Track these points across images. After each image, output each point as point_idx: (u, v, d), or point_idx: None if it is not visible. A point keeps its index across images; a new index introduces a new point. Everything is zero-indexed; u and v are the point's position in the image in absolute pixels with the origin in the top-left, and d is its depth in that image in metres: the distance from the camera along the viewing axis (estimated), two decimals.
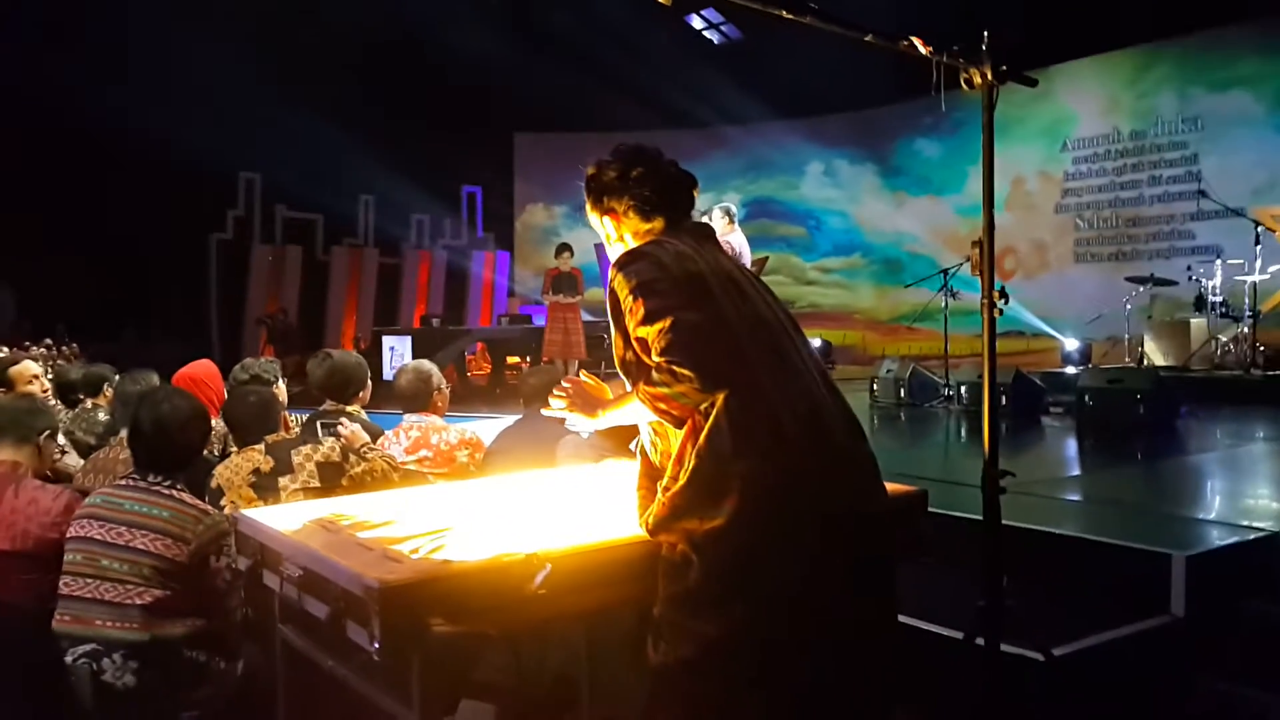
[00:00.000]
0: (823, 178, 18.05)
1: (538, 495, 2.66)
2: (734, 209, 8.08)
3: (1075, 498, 5.14)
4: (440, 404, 4.41)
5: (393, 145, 14.60)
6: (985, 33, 2.57)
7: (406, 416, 4.34)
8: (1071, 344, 11.77)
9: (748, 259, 7.88)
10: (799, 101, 15.61)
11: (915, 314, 13.43)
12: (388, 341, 11.47)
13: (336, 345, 16.01)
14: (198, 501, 2.89)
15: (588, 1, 14.23)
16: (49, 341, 13.23)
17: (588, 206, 2.24)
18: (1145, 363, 9.84)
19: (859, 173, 17.44)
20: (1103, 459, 6.55)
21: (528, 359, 11.63)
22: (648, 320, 1.91)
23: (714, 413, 1.88)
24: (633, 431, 3.71)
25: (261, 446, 3.56)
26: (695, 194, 2.25)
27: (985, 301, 2.70)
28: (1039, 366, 11.45)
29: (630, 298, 1.95)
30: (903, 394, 9.09)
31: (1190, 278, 9.91)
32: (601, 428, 2.19)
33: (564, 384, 2.22)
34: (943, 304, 9.55)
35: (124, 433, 4.18)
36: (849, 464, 2.00)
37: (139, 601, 2.63)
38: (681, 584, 1.88)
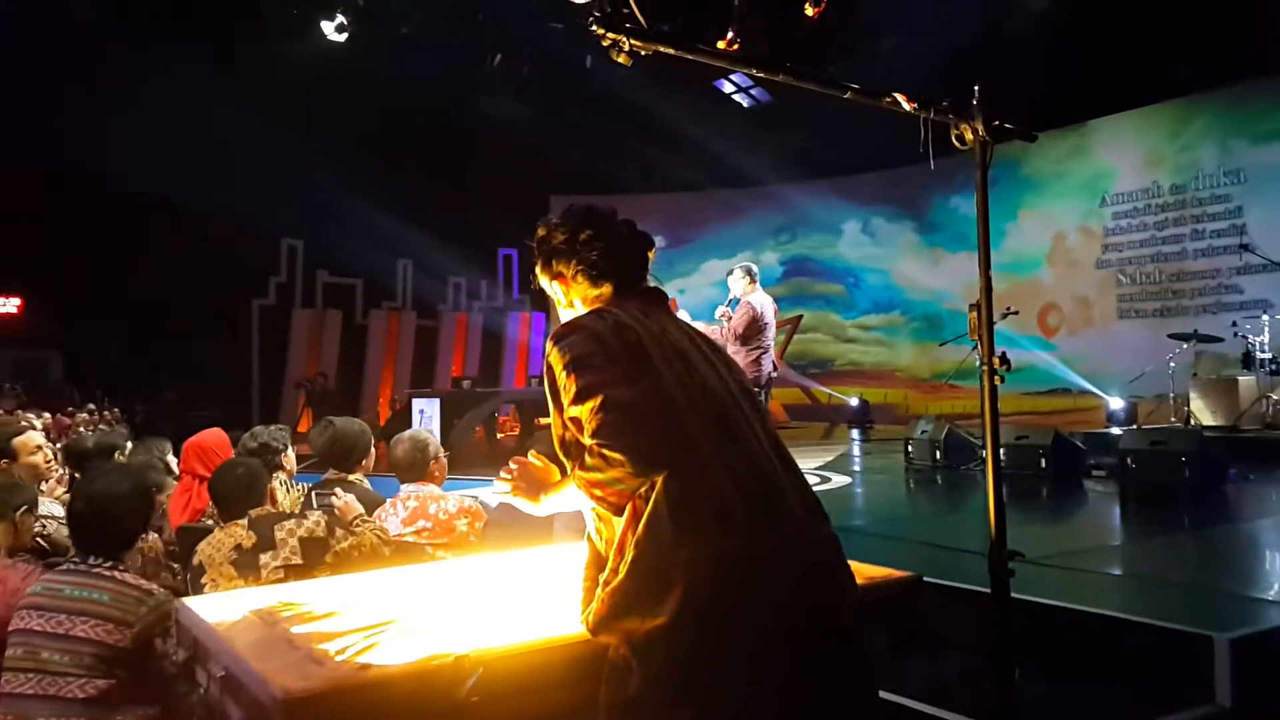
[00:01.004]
0: (860, 235, 17.92)
1: (506, 579, 2.51)
2: (755, 269, 7.91)
3: (1112, 570, 4.86)
4: (438, 473, 4.31)
5: (430, 210, 14.80)
6: (976, 87, 2.44)
7: (404, 487, 4.24)
8: (1116, 403, 11.40)
9: (771, 319, 7.71)
10: (833, 160, 15.58)
11: (953, 371, 13.18)
12: (417, 404, 11.46)
13: (374, 408, 16.13)
14: (141, 581, 2.78)
15: (619, 66, 14.40)
16: (91, 406, 13.46)
17: (536, 269, 2.13)
18: (1192, 422, 9.46)
19: (896, 230, 17.28)
20: (1144, 526, 6.26)
21: None
22: (579, 398, 1.79)
23: (653, 497, 1.74)
24: None
25: (245, 521, 3.47)
26: (650, 255, 2.13)
27: (985, 368, 2.53)
28: (1084, 426, 11.10)
29: (564, 374, 1.84)
30: (938, 456, 8.78)
31: (1236, 334, 9.58)
32: (544, 514, 2.04)
33: (511, 464, 2.07)
34: (979, 357, 9.25)
35: None
36: (806, 548, 1.82)
37: (80, 695, 2.51)
38: (622, 692, 1.71)
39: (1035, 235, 15.03)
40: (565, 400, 1.83)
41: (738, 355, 7.56)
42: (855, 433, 14.47)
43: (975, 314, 2.49)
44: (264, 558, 3.37)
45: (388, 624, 1.95)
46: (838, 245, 17.96)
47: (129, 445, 5.71)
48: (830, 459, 10.17)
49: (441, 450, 4.34)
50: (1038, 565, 4.45)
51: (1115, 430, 9.97)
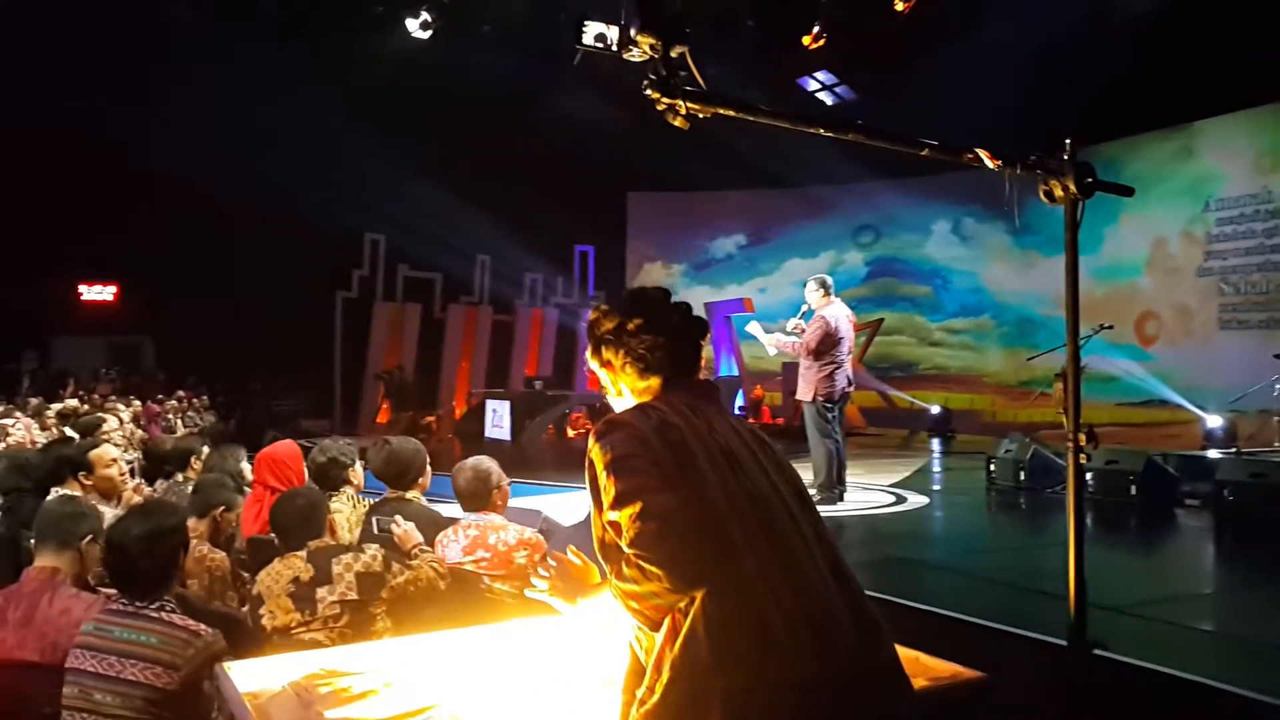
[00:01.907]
0: (949, 236, 17.41)
1: (561, 649, 2.41)
2: (830, 280, 7.64)
3: (1203, 626, 4.52)
4: (500, 502, 4.24)
5: (509, 206, 14.87)
6: (1068, 141, 2.26)
7: (465, 515, 4.19)
8: (1214, 420, 10.84)
9: (846, 333, 7.48)
10: (921, 158, 15.12)
11: (1046, 380, 12.73)
12: (490, 404, 11.52)
13: (450, 401, 16.30)
14: (189, 622, 2.75)
15: (698, 63, 14.23)
16: (181, 393, 13.89)
17: (589, 353, 2.05)
18: None
19: (987, 231, 16.72)
20: (1241, 571, 5.88)
21: None
22: (618, 503, 1.70)
23: (690, 616, 1.64)
24: None
25: (304, 553, 3.45)
26: (704, 344, 2.03)
27: (1070, 445, 2.35)
28: (1179, 443, 10.63)
29: (605, 474, 1.74)
30: (1022, 477, 8.42)
31: None
32: (579, 617, 1.94)
33: (550, 560, 1.99)
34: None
35: (193, 519, 4.19)
36: (857, 675, 1.68)
37: None
38: None
39: (1135, 240, 14.42)
40: (605, 501, 1.74)
41: (809, 370, 7.38)
42: (936, 442, 14.08)
43: (1060, 384, 2.30)
44: (320, 591, 3.35)
45: (430, 708, 1.89)
46: (926, 245, 17.49)
47: (205, 450, 5.81)
48: (907, 474, 9.89)
49: (505, 479, 4.27)
50: (1120, 614, 4.22)
51: (1213, 454, 9.46)
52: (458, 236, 15.57)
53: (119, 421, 7.81)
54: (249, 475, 5.29)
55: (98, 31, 12.49)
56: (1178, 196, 13.98)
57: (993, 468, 8.78)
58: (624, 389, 1.99)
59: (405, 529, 3.86)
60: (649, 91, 1.95)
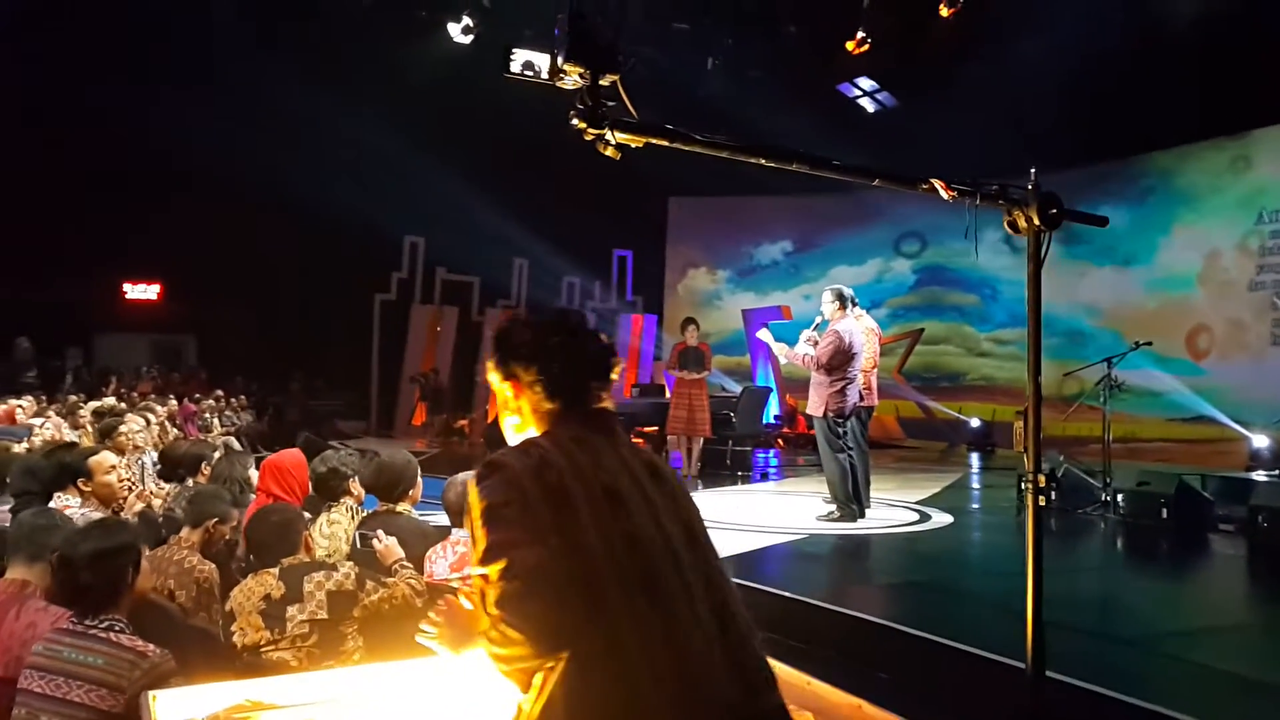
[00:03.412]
0: (999, 245, 16.97)
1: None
2: (848, 292, 7.47)
3: (1235, 667, 4.19)
4: None
5: (547, 210, 14.91)
6: (1033, 170, 2.16)
7: (455, 531, 4.17)
8: (1261, 440, 10.48)
9: (861, 348, 7.34)
10: (967, 165, 14.80)
11: (1087, 392, 12.44)
12: None
13: (485, 404, 16.37)
14: (136, 643, 2.72)
15: (739, 67, 14.14)
16: (219, 393, 14.12)
17: (490, 363, 1.95)
18: None
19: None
20: (1263, 606, 5.63)
21: (657, 428, 11.40)
22: (485, 558, 1.62)
23: (551, 683, 1.56)
24: None
25: (276, 570, 3.45)
26: (614, 376, 1.93)
27: (1029, 485, 2.25)
28: (1225, 462, 10.29)
29: (478, 523, 1.66)
30: (1053, 496, 8.17)
31: None
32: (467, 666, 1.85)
33: (440, 604, 1.89)
34: (1104, 392, 8.61)
35: (186, 530, 4.23)
36: None
37: None
38: None
39: (1187, 252, 14.02)
40: (476, 554, 1.66)
41: (821, 385, 7.26)
42: (975, 457, 13.81)
43: (1021, 423, 2.20)
44: (291, 610, 3.34)
45: None
46: (974, 254, 17.15)
47: (215, 456, 5.87)
48: (937, 490, 9.69)
49: None
50: (1143, 649, 4.07)
51: (1256, 476, 9.14)
52: (496, 240, 15.65)
53: (146, 422, 7.91)
54: (254, 483, 5.33)
55: (145, 31, 12.75)
56: (1232, 208, 13.56)
57: (1023, 486, 8.53)
58: (525, 408, 1.88)
59: (386, 544, 3.84)
60: (575, 122, 1.88)
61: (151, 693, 2.28)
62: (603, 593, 1.60)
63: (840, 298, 7.34)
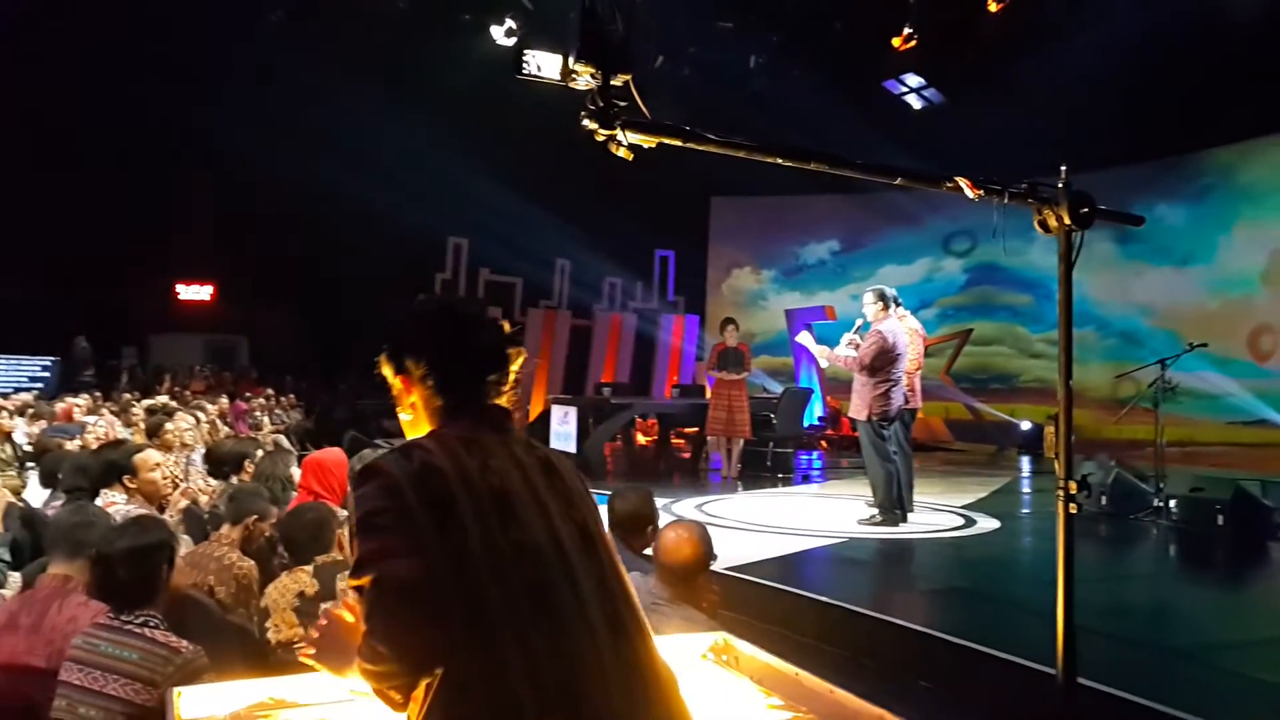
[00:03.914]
0: (1052, 243, 16.62)
1: None
2: (890, 292, 7.36)
3: (1276, 679, 4.08)
4: None
5: (589, 210, 14.92)
6: (1063, 168, 2.10)
7: None
8: None
9: (905, 348, 7.24)
10: (1018, 162, 14.55)
11: (1142, 394, 12.18)
12: (557, 410, 11.54)
13: (526, 403, 16.45)
14: (170, 638, 2.77)
15: (783, 65, 14.04)
16: (270, 392, 14.36)
17: (382, 356, 1.84)
18: None
19: (1091, 238, 15.54)
20: None
21: (697, 429, 11.38)
22: (356, 570, 1.54)
23: (426, 701, 1.48)
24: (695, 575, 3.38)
25: (310, 568, 3.48)
26: (511, 371, 1.81)
27: (1061, 493, 2.18)
28: None
29: (354, 532, 1.59)
30: (1104, 502, 8.01)
31: None
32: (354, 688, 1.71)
33: (321, 619, 1.79)
34: (1157, 395, 8.39)
35: (226, 527, 4.30)
36: None
37: None
38: None
39: (1250, 250, 13.67)
40: (352, 565, 1.57)
41: (865, 387, 7.16)
42: (1025, 460, 13.57)
43: (1053, 428, 2.14)
44: (324, 607, 3.37)
45: None
46: (1028, 254, 16.78)
47: (259, 454, 5.96)
48: (984, 494, 9.51)
49: None
50: (1193, 660, 3.96)
51: None
52: (538, 240, 15.72)
53: (196, 420, 8.07)
54: (296, 481, 5.39)
55: (197, 37, 13.00)
56: None
57: (1057, 493, 8.33)
58: (418, 405, 1.77)
59: None
60: (586, 122, 1.86)
61: (176, 689, 2.30)
62: (485, 606, 1.51)
63: (882, 298, 7.24)
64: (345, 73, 13.25)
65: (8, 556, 4.31)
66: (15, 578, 4.00)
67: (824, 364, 7.72)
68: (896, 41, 13.45)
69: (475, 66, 13.44)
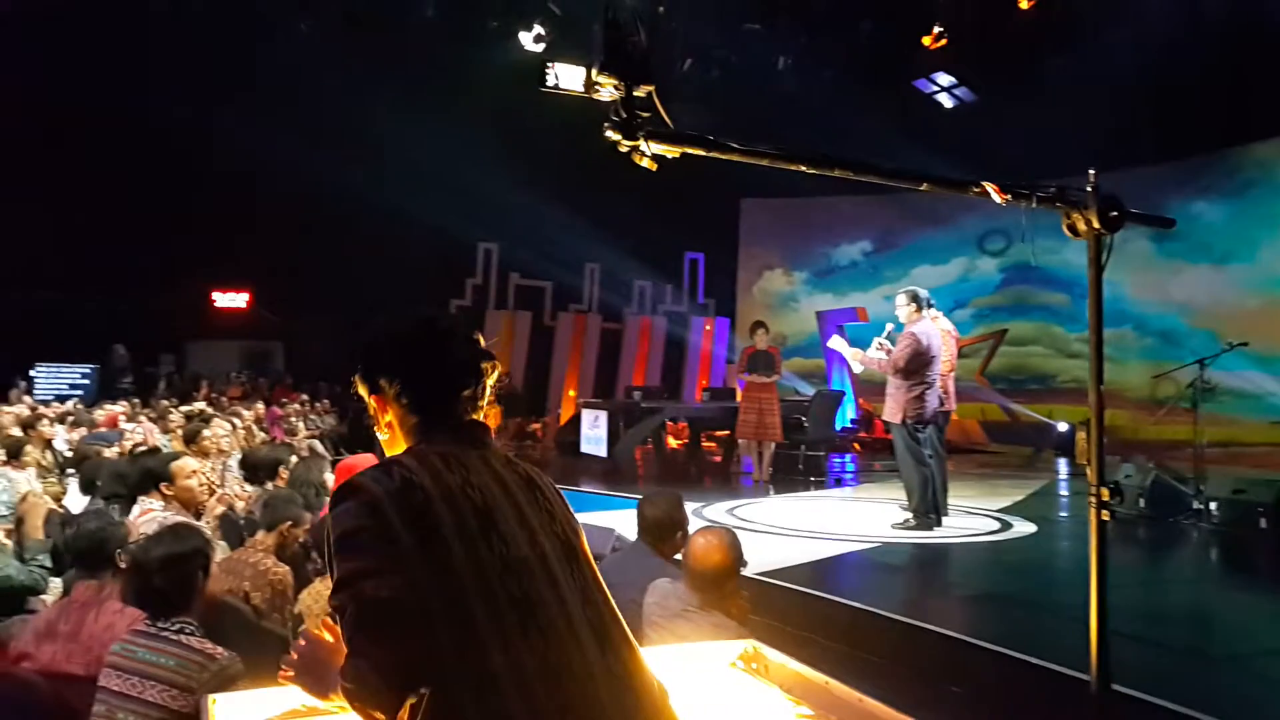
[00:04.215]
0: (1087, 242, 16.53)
1: None
2: (923, 294, 7.29)
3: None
4: None
5: (618, 214, 14.95)
6: (1091, 171, 2.08)
7: None
8: None
9: (939, 351, 7.18)
10: (1051, 161, 14.41)
11: (1180, 395, 12.03)
12: (588, 414, 11.57)
13: (558, 408, 16.51)
14: (206, 645, 2.80)
15: (813, 66, 13.99)
16: (305, 397, 14.52)
17: (356, 376, 1.81)
18: None
19: (1127, 237, 15.31)
20: None
21: (728, 432, 11.35)
22: (336, 590, 1.51)
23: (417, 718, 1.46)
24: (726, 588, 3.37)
25: None
26: (486, 385, 1.77)
27: (1093, 500, 2.16)
28: None
29: (332, 550, 1.55)
30: (1142, 504, 7.88)
31: None
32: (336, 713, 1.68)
33: (299, 640, 1.77)
34: (1195, 395, 8.26)
35: (261, 533, 4.35)
36: None
37: None
38: None
39: None
40: (332, 584, 1.54)
41: (899, 390, 7.11)
42: (1062, 462, 13.39)
43: (1084, 434, 2.11)
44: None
45: None
46: (1063, 252, 16.51)
47: (293, 460, 6.03)
48: (1020, 497, 9.41)
49: None
50: (1233, 666, 3.89)
51: None
52: (568, 244, 15.78)
53: (232, 426, 8.17)
54: (330, 487, 5.44)
55: (231, 48, 13.18)
56: None
57: (1119, 489, 8.21)
58: (394, 424, 1.75)
59: None
60: (609, 134, 1.87)
61: (211, 696, 2.33)
62: (472, 621, 1.49)
63: (915, 299, 7.18)
64: (377, 81, 13.37)
65: (49, 563, 4.39)
66: (56, 583, 4.07)
67: (857, 368, 7.65)
68: (927, 40, 13.37)
69: (504, 72, 13.52)
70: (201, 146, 14.09)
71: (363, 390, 1.79)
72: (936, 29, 13.24)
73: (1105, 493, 2.10)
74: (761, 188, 16.66)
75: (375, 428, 1.80)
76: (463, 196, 14.30)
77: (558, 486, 1.77)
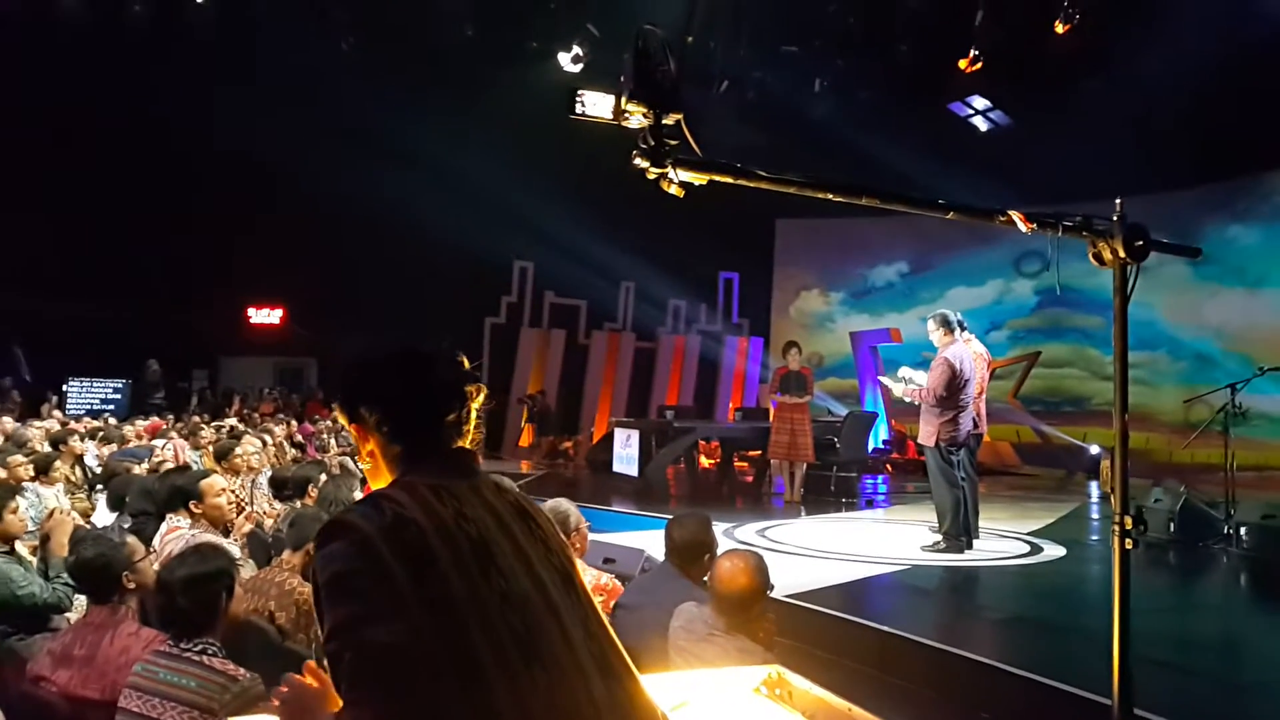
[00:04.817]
0: None
1: None
2: (954, 317, 7.27)
3: None
4: (579, 544, 4.22)
5: (653, 233, 15.01)
6: (1118, 201, 2.09)
7: None
8: None
9: (972, 373, 7.14)
10: (1086, 184, 14.28)
11: (1210, 420, 11.88)
12: (620, 433, 11.59)
13: (591, 426, 16.55)
14: (228, 666, 2.78)
15: (848, 88, 13.99)
16: (337, 414, 14.66)
17: (337, 405, 1.76)
18: None
19: (1163, 260, 15.18)
20: None
21: (760, 452, 11.32)
22: (330, 636, 1.44)
23: None
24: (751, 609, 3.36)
25: None
26: (472, 410, 1.72)
27: (1116, 529, 2.15)
28: None
29: (322, 594, 1.48)
30: (1172, 529, 7.77)
31: None
32: None
33: (283, 686, 1.70)
34: (1226, 420, 8.15)
35: (287, 552, 4.36)
36: None
37: None
38: None
39: None
40: (324, 630, 1.48)
41: (933, 414, 7.08)
42: (1094, 485, 13.22)
43: (1108, 463, 2.12)
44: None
45: None
46: (1100, 275, 16.25)
47: (323, 478, 6.07)
48: (1051, 520, 9.31)
49: (584, 522, 4.26)
50: (1260, 693, 3.83)
51: None
52: (603, 264, 15.86)
53: (263, 443, 8.25)
54: None
55: (266, 66, 13.41)
56: None
57: (1143, 517, 8.10)
58: (377, 454, 1.69)
59: None
60: (638, 161, 1.91)
61: (233, 718, 2.35)
62: (477, 663, 1.45)
63: (946, 323, 7.16)
64: (416, 99, 13.55)
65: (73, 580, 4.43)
66: (81, 600, 4.10)
67: (908, 400, 7.52)
68: (963, 64, 13.36)
69: (542, 92, 13.67)
70: (243, 164, 14.33)
71: (343, 419, 1.74)
72: (973, 53, 13.22)
73: (1129, 521, 2.09)
74: (796, 208, 16.60)
75: (358, 457, 1.78)
76: (499, 214, 14.46)
77: (549, 514, 1.73)
